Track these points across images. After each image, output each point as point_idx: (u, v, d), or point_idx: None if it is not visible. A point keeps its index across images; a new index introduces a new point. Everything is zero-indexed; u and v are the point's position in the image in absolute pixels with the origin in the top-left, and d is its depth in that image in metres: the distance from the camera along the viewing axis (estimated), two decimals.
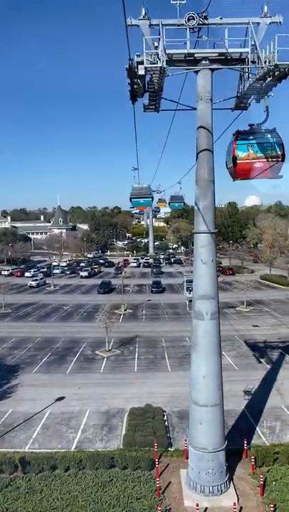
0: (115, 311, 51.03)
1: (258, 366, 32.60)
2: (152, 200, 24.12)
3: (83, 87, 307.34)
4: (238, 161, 15.61)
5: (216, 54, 15.64)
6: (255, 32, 15.05)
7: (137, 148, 35.79)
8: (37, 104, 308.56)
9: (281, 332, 41.73)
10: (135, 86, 16.23)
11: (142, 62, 14.72)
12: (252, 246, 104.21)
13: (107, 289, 63.87)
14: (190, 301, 19.43)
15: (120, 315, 49.64)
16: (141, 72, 14.91)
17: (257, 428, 23.15)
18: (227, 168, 16.43)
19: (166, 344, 38.56)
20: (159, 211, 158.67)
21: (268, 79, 14.94)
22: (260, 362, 33.49)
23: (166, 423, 23.73)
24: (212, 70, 16.05)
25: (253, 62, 15.32)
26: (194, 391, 17.12)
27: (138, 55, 14.96)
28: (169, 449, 21.05)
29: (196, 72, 16.20)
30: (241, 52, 15.57)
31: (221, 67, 15.83)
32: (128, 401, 26.64)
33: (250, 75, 15.89)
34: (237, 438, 20.98)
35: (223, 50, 15.44)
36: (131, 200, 22.74)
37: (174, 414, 24.88)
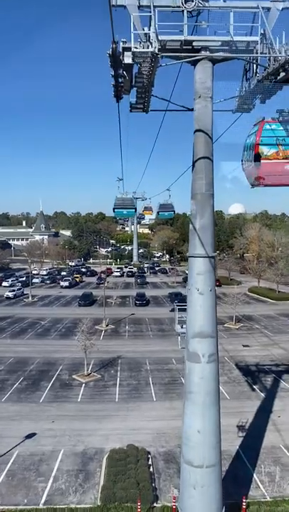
0: (96, 327, 47.88)
1: (252, 395, 29.84)
2: (135, 211, 24.63)
3: (65, 88, 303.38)
4: (262, 161, 12.62)
5: (219, 43, 12.85)
6: (265, 18, 12.39)
7: (121, 153, 33.50)
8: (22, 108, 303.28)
9: (273, 353, 39.17)
10: (120, 80, 13.38)
11: (128, 49, 11.89)
12: (239, 256, 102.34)
13: (88, 301, 60.55)
14: (183, 333, 16.25)
15: (102, 331, 46.47)
16: (127, 60, 12.06)
17: (254, 475, 20.31)
18: (243, 169, 13.30)
19: (150, 367, 35.52)
20: (143, 218, 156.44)
21: (282, 74, 12.29)
22: (254, 389, 30.74)
23: (151, 468, 20.70)
24: (213, 62, 13.28)
25: (263, 53, 12.68)
26: (187, 448, 14.13)
27: (124, 42, 12.12)
28: (155, 504, 18.03)
29: (194, 64, 13.41)
30: (249, 42, 12.86)
31: (227, 55, 12.98)
32: (108, 439, 23.55)
33: (258, 71, 13.23)
34: (232, 488, 18.14)
35: (228, 38, 12.66)
36: (114, 211, 22.62)
37: (159, 457, 21.86)
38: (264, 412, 26.81)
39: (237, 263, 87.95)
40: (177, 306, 21.10)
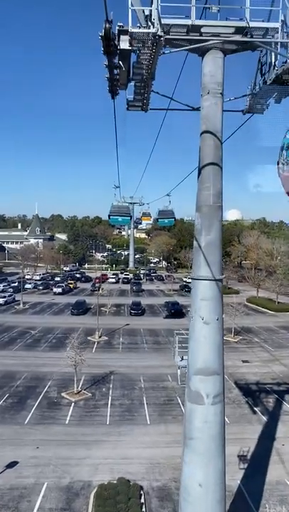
0: (89, 338, 45.77)
1: (253, 418, 27.79)
2: (131, 219, 26.68)
3: (62, 90, 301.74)
4: None
5: (232, 29, 10.93)
6: (286, 1, 10.48)
7: (117, 155, 31.65)
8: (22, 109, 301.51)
9: (274, 370, 37.17)
10: (115, 71, 11.44)
11: (125, 32, 9.96)
12: (236, 264, 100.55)
13: (81, 309, 58.30)
14: (184, 367, 14.14)
15: (94, 343, 44.29)
16: (124, 45, 10.13)
17: None
18: (280, 174, 10.98)
19: (145, 384, 33.39)
20: (140, 223, 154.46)
21: None
22: (255, 412, 28.69)
23: (144, 508, 18.57)
24: (225, 52, 11.34)
25: (283, 43, 10.81)
26: (186, 504, 12.06)
27: (121, 26, 10.19)
28: None
29: (202, 55, 11.47)
30: (267, 29, 10.94)
31: (242, 41, 11.01)
32: (97, 469, 21.46)
33: (276, 64, 11.31)
34: None
35: (243, 24, 10.73)
36: (109, 218, 21.91)
37: (153, 493, 19.75)
38: (267, 440, 24.78)
39: (235, 271, 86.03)
40: (177, 333, 18.84)
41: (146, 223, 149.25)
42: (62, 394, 30.96)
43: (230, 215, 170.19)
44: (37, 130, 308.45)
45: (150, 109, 14.16)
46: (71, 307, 59.56)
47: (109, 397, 30.76)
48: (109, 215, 22.54)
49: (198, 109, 13.22)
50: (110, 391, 31.93)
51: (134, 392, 31.97)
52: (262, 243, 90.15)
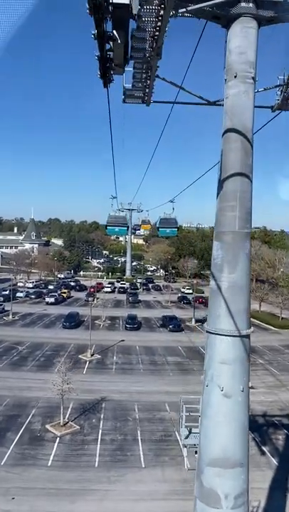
0: (80, 356, 42.37)
1: (261, 461, 24.46)
2: (128, 229, 25.74)
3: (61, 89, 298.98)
4: None
5: None
6: None
7: (113, 156, 28.83)
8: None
9: (282, 398, 33.90)
10: (108, 45, 8.28)
11: None
12: None
13: (73, 322, 54.81)
14: (192, 446, 10.87)
15: (86, 362, 40.85)
16: None
17: None
18: None
19: (139, 415, 30.04)
20: (139, 229, 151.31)
21: None
22: (263, 453, 25.40)
23: None
24: (260, 21, 8.23)
25: None
26: None
27: None
28: None
29: (227, 25, 8.38)
30: None
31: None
32: None
33: None
34: None
35: None
36: (106, 228, 22.90)
37: None
38: (279, 491, 21.51)
39: None
40: (182, 399, 15.49)
41: (144, 231, 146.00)
42: (47, 426, 27.55)
43: None
44: (36, 131, 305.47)
45: (153, 101, 11.07)
46: (63, 320, 56.07)
47: (100, 431, 27.40)
48: (106, 226, 23.50)
49: (215, 103, 10.10)
50: (101, 423, 28.57)
51: (128, 424, 28.61)
52: (263, 254, 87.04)
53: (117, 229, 23.82)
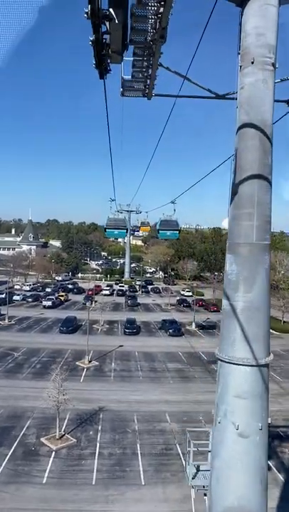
0: (77, 363, 41.12)
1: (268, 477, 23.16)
2: (127, 232, 24.68)
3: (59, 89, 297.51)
4: None
5: None
6: None
7: (111, 153, 27.54)
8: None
9: (287, 407, 32.68)
10: (104, 28, 7.09)
11: None
12: None
13: (71, 327, 53.51)
14: (201, 488, 9.31)
15: (83, 370, 39.59)
16: None
17: None
18: None
19: (139, 426, 28.82)
20: (138, 230, 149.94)
21: None
22: (269, 468, 24.08)
23: None
24: None
25: None
26: None
27: None
28: None
29: (242, 3, 7.20)
30: None
31: None
32: None
33: None
34: None
35: None
36: (105, 231, 23.00)
37: None
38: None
39: None
40: (191, 440, 14.10)
41: (144, 233, 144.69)
42: (42, 439, 26.29)
43: (225, 222, 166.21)
44: (34, 132, 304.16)
45: (155, 95, 9.91)
46: (60, 324, 54.77)
47: (97, 444, 26.16)
48: (105, 229, 23.53)
49: (225, 96, 8.93)
50: (98, 435, 27.32)
51: (127, 436, 27.38)
52: None
53: (116, 232, 23.80)
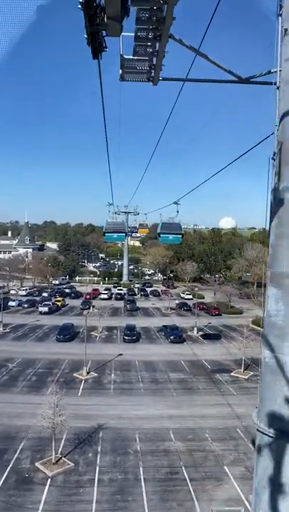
0: (75, 375, 39.12)
1: None
2: (126, 235, 24.19)
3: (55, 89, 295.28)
4: None
5: None
6: None
7: (109, 165, 26.02)
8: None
9: None
10: None
11: None
12: (237, 278, 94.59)
13: (68, 335, 51.42)
14: None
15: (81, 382, 37.58)
16: None
17: None
18: None
19: (141, 446, 26.83)
20: (136, 231, 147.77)
21: None
22: None
23: None
24: None
25: None
26: None
27: None
28: None
29: None
30: None
31: None
32: None
33: None
34: None
35: None
36: (104, 235, 22.82)
37: None
38: None
39: (239, 289, 79.67)
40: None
41: (142, 234, 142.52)
42: (37, 464, 24.27)
43: (225, 223, 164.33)
44: (31, 132, 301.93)
45: (162, 79, 7.98)
46: (57, 332, 52.68)
47: (97, 468, 24.16)
48: (104, 233, 23.30)
49: (250, 80, 7.00)
50: (98, 457, 25.31)
51: (129, 459, 25.37)
52: (265, 257, 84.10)
53: (115, 235, 23.66)
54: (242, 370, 40.66)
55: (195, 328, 56.91)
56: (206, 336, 55.41)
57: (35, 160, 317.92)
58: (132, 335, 51.94)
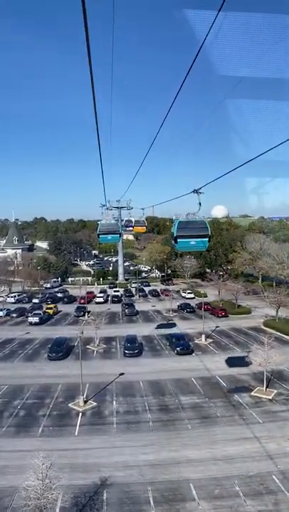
0: (70, 406, 33.36)
1: None
2: (120, 236, 28.38)
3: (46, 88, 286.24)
4: None
5: None
6: None
7: (102, 164, 20.88)
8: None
9: None
10: None
11: None
12: (240, 273, 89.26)
13: (61, 352, 45.40)
14: None
15: (78, 416, 31.80)
16: None
17: None
18: None
19: (156, 509, 21.15)
20: (130, 225, 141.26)
21: None
22: None
23: None
24: None
25: None
26: None
27: None
28: None
29: None
30: None
31: None
32: None
33: None
34: None
35: None
36: (99, 237, 24.89)
37: None
38: None
39: (245, 286, 74.10)
40: None
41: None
42: None
43: (217, 211, 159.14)
44: (26, 131, 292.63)
45: None
46: (48, 349, 46.77)
47: None
48: (98, 235, 24.35)
49: None
50: None
51: None
52: (270, 249, 78.68)
53: (109, 237, 25.02)
54: (264, 389, 35.06)
55: (203, 336, 51.20)
56: (219, 346, 49.42)
57: (24, 155, 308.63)
58: (134, 348, 46.13)
